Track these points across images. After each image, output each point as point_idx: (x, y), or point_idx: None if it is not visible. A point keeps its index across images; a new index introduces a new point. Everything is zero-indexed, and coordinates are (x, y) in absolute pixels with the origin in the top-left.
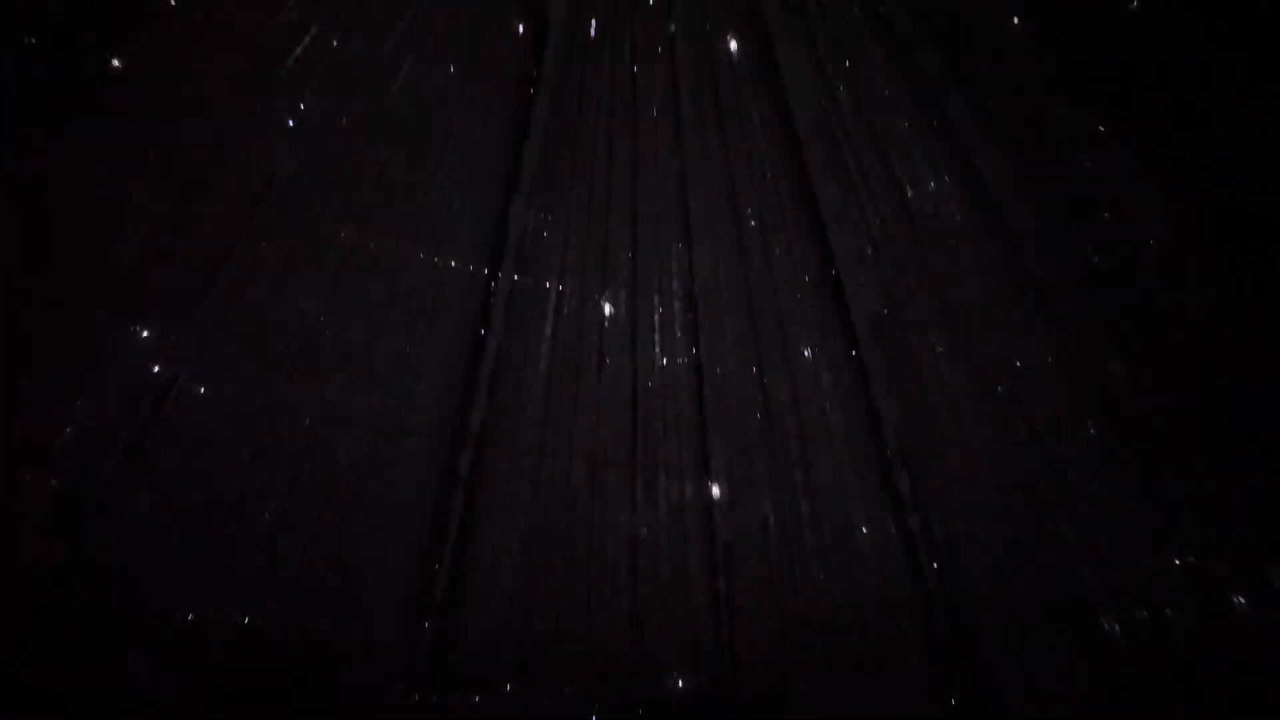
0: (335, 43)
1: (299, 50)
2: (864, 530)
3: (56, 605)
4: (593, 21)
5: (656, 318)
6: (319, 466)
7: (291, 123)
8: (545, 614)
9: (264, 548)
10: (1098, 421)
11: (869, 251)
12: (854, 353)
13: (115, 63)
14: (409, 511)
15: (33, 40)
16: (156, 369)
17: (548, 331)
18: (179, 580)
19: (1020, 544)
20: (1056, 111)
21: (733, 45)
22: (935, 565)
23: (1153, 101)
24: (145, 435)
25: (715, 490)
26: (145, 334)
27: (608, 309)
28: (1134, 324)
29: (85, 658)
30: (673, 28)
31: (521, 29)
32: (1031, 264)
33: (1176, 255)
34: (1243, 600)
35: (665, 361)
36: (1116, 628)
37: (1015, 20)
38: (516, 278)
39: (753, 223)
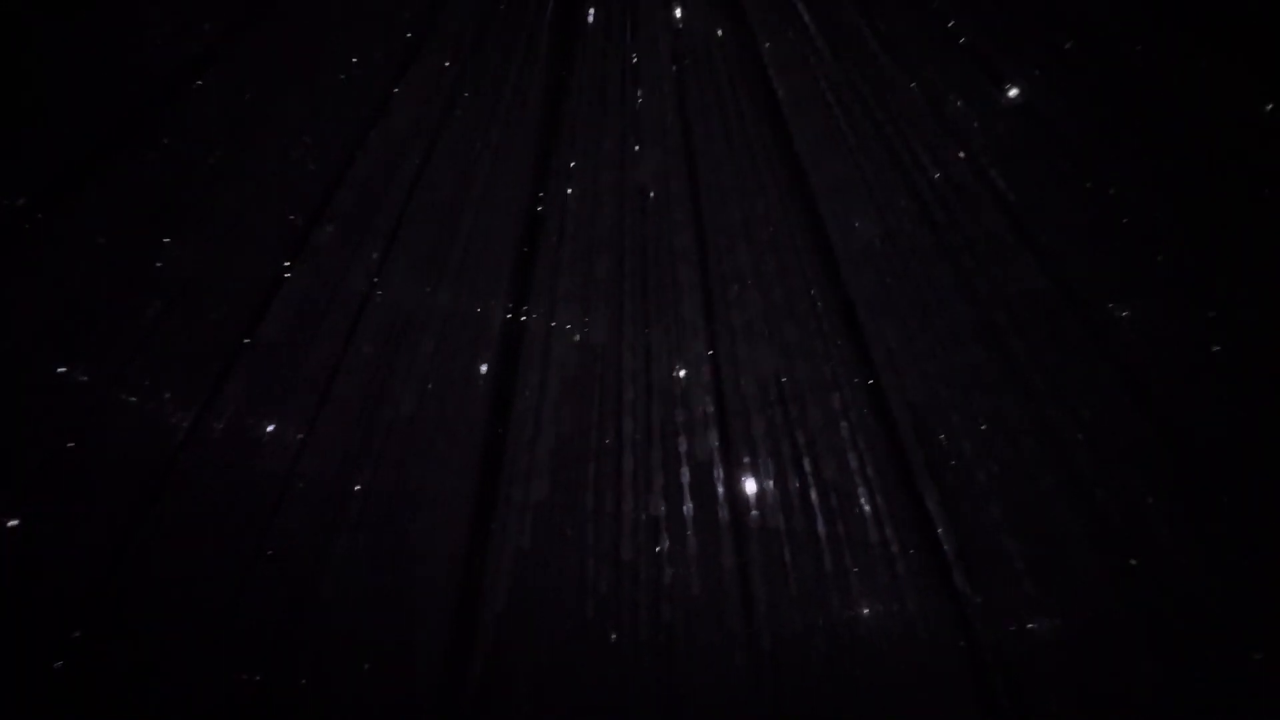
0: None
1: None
2: (896, 550)
3: (84, 658)
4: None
5: (671, 337)
6: (349, 512)
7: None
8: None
9: (295, 597)
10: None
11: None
12: (871, 382)
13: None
14: (442, 548)
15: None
16: (182, 417)
17: (562, 360)
18: (205, 632)
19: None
20: None
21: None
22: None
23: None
24: (170, 483)
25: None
26: (174, 383)
27: (620, 332)
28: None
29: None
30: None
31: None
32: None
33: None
34: None
35: (686, 381)
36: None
37: None
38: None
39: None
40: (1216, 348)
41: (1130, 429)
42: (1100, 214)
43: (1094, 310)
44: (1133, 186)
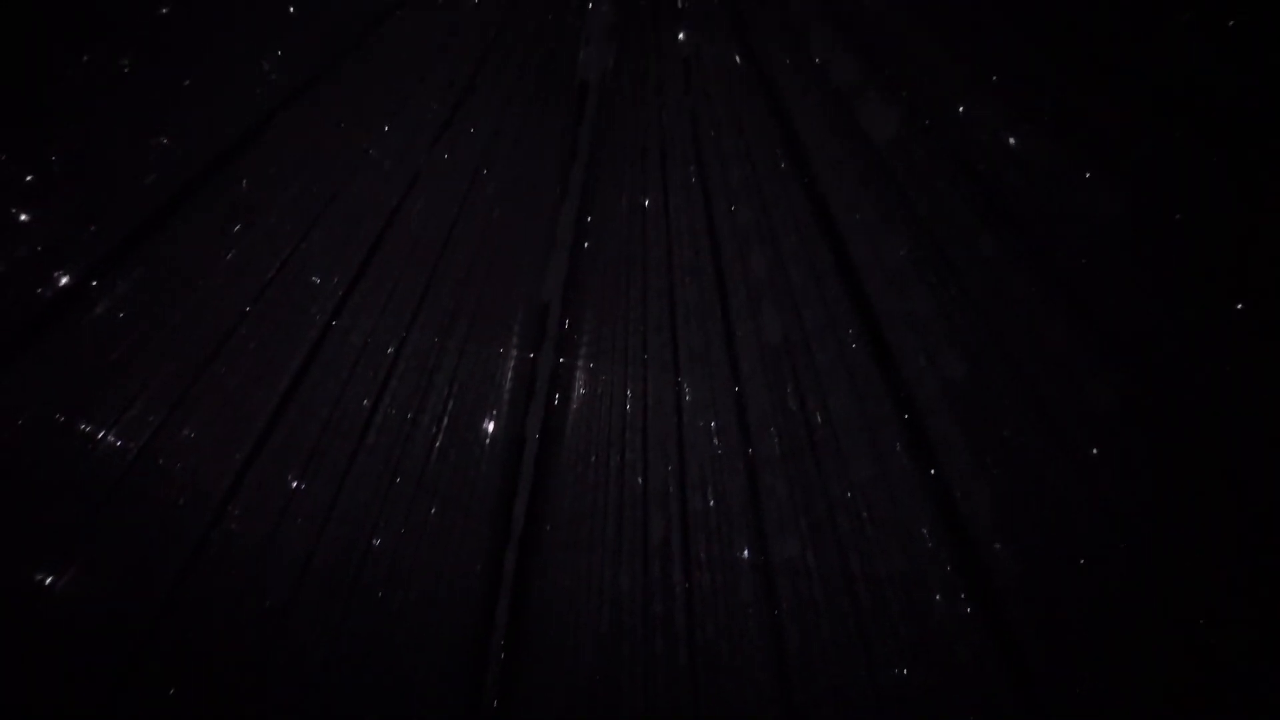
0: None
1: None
2: (931, 586)
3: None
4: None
5: (695, 392)
6: (367, 566)
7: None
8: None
9: (311, 654)
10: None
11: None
12: (906, 415)
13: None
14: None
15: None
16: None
17: (587, 410)
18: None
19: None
20: None
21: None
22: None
23: None
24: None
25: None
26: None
27: (645, 384)
28: None
29: None
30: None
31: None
32: None
33: None
34: None
35: (712, 436)
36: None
37: None
38: (560, 360)
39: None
40: None
41: None
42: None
43: None
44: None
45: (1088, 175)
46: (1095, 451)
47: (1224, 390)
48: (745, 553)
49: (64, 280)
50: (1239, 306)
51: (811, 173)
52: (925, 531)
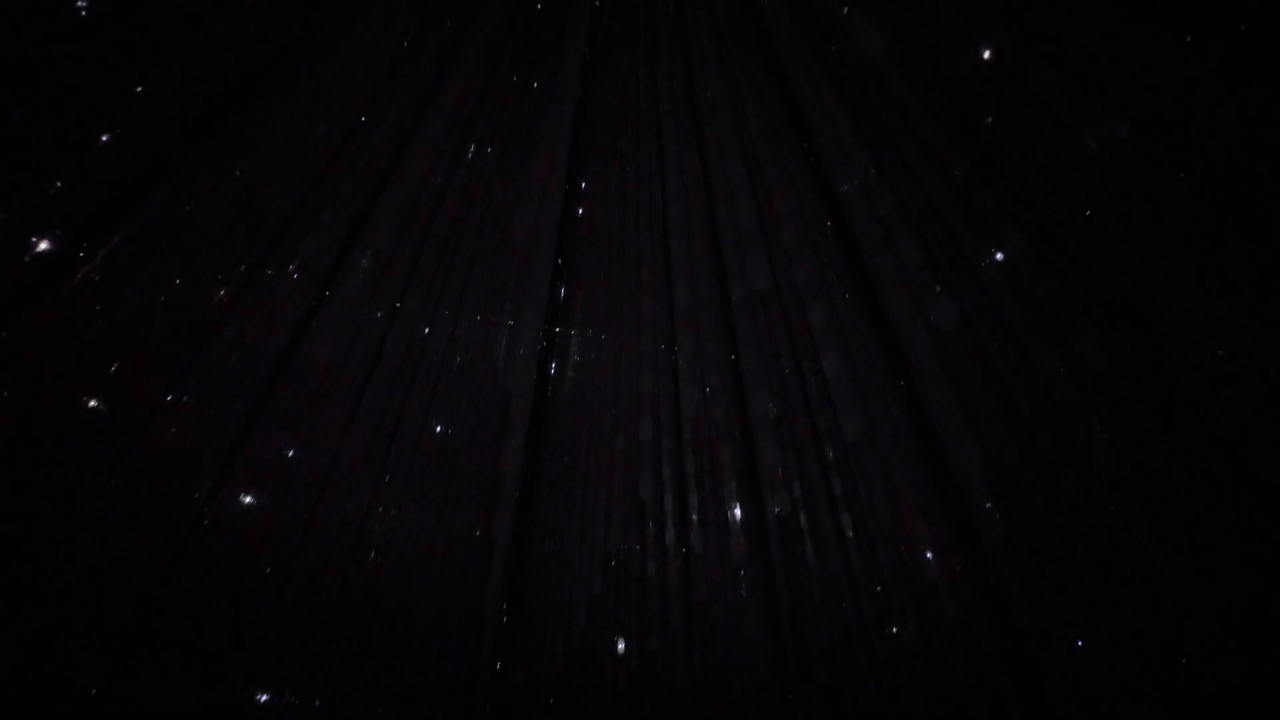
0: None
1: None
2: (921, 545)
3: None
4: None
5: (693, 363)
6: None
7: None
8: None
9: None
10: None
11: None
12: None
13: None
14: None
15: None
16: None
17: (581, 374)
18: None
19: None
20: None
21: None
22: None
23: None
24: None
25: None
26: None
27: (638, 347)
28: None
29: None
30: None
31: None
32: None
33: None
34: None
35: (712, 409)
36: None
37: None
38: (554, 325)
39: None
40: None
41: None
42: None
43: None
44: None
45: (1090, 110)
46: (1085, 411)
47: (1215, 350)
48: (738, 513)
49: (44, 246)
50: (1233, 272)
51: (807, 127)
52: (916, 492)
